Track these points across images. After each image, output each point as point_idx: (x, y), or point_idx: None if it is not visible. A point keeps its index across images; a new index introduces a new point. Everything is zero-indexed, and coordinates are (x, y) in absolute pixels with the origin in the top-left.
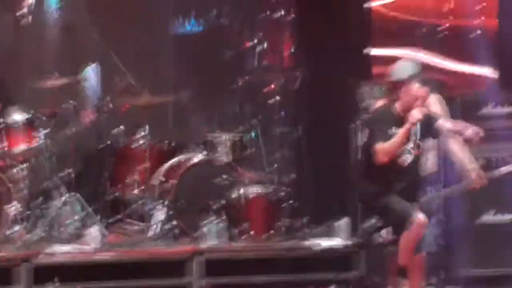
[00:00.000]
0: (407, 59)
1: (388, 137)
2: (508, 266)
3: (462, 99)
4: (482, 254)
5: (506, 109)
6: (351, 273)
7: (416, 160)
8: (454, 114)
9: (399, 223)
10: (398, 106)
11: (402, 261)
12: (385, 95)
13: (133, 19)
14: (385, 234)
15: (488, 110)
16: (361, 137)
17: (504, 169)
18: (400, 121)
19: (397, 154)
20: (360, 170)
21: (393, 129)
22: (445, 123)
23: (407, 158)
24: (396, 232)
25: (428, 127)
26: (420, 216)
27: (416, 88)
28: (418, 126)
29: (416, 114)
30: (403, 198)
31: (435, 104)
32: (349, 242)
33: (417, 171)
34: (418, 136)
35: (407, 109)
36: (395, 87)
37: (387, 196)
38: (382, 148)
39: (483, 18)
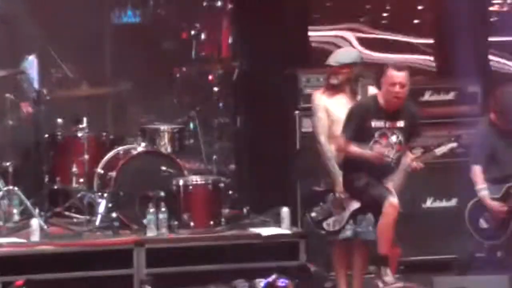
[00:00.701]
0: (347, 48)
1: (355, 135)
2: (447, 253)
3: None
4: (422, 241)
5: (443, 97)
6: (293, 262)
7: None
8: None
9: (376, 207)
10: (380, 98)
11: (383, 250)
12: (324, 83)
13: (70, 10)
14: (328, 224)
15: (426, 97)
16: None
17: (440, 150)
18: (382, 113)
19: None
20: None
21: (373, 122)
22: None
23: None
24: (375, 216)
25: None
26: (393, 200)
27: (392, 74)
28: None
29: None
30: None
31: None
32: (290, 231)
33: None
34: (402, 140)
35: (389, 97)
36: (335, 72)
37: (364, 180)
38: (342, 146)
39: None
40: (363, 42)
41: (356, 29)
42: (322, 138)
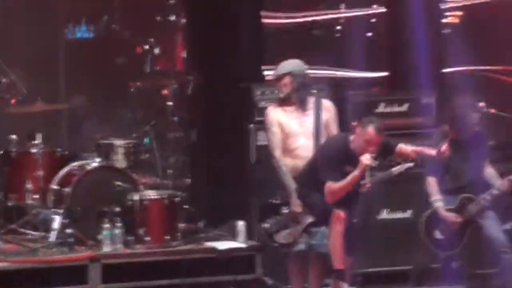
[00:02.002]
0: (290, 60)
1: (338, 178)
2: (403, 264)
3: (355, 100)
4: (377, 253)
5: (397, 108)
6: (250, 275)
7: None
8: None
9: (324, 218)
10: (352, 144)
11: (338, 265)
12: (277, 96)
13: (24, 25)
14: (284, 236)
15: (380, 109)
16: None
17: (396, 169)
18: (354, 159)
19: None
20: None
21: (346, 167)
22: (406, 147)
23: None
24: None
25: (386, 155)
26: (339, 212)
27: (371, 132)
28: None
29: (366, 161)
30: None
31: (328, 111)
32: (246, 245)
33: None
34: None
35: (361, 150)
36: (278, 86)
37: (310, 193)
38: (332, 189)
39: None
40: None
41: None
42: (277, 153)
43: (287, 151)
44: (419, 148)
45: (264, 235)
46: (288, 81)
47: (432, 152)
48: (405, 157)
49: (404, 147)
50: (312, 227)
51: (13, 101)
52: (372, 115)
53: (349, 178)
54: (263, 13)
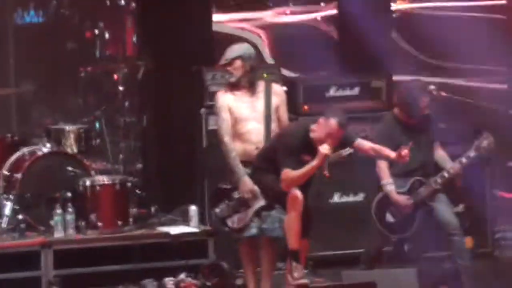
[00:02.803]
0: (240, 43)
1: (295, 167)
2: (355, 248)
3: (306, 84)
4: (330, 236)
5: (348, 92)
6: (201, 260)
7: None
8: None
9: (276, 199)
10: (313, 133)
11: (293, 245)
12: (228, 81)
13: None
14: (235, 221)
15: (331, 93)
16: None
17: (345, 151)
18: (312, 149)
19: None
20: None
21: (304, 156)
22: (364, 143)
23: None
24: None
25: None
26: (295, 192)
27: (334, 125)
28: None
29: (324, 151)
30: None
31: (278, 95)
32: (199, 229)
33: None
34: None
35: (320, 142)
36: (229, 70)
37: (265, 174)
38: (289, 177)
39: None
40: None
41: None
42: (226, 138)
43: (237, 135)
44: (377, 147)
45: (216, 220)
46: (239, 65)
47: (392, 154)
48: (363, 152)
49: (362, 143)
50: (263, 211)
51: None
52: (323, 98)
53: (307, 167)
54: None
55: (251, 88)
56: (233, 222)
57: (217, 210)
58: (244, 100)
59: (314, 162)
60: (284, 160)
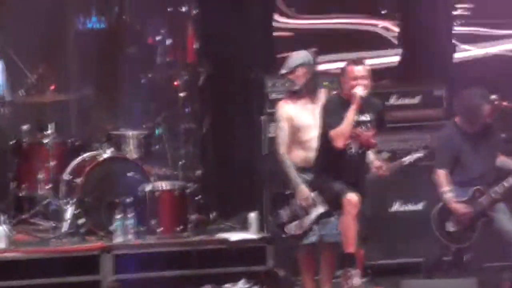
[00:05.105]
0: (299, 51)
1: (340, 122)
2: (414, 257)
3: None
4: (390, 244)
5: (408, 101)
6: (261, 266)
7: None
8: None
9: (335, 203)
10: (343, 92)
11: (349, 248)
12: (289, 88)
13: (35, 16)
14: (294, 228)
15: (392, 101)
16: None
17: (406, 159)
18: (348, 106)
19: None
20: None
21: (343, 115)
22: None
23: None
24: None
25: (380, 121)
26: (350, 195)
27: (349, 68)
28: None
29: (359, 92)
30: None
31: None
32: (258, 236)
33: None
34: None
35: (351, 91)
36: (291, 79)
37: (324, 180)
38: (336, 132)
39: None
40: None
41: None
42: (282, 148)
43: (299, 143)
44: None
45: (275, 226)
46: (301, 73)
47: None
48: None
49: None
50: (322, 218)
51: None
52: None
53: (348, 114)
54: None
55: (313, 96)
56: (291, 228)
57: (276, 216)
58: (306, 108)
59: (353, 106)
60: (328, 125)
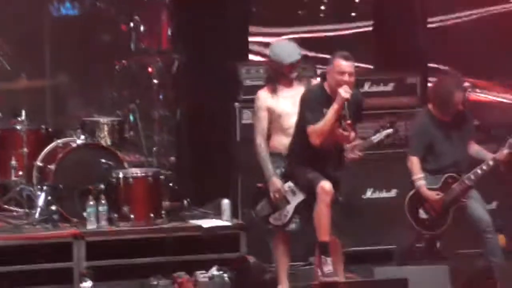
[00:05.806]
0: (287, 40)
1: (319, 118)
2: (387, 244)
3: None
4: (362, 232)
5: (382, 88)
6: (234, 253)
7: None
8: None
9: (309, 191)
10: (327, 85)
11: (322, 237)
12: (264, 75)
13: (8, 2)
14: (275, 219)
15: (365, 89)
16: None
17: (376, 137)
18: (330, 101)
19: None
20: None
21: (324, 110)
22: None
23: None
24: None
25: (358, 114)
26: (323, 183)
27: (338, 62)
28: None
29: (343, 94)
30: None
31: None
32: (231, 223)
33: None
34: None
35: (336, 87)
36: (276, 69)
37: (297, 167)
38: (314, 130)
39: None
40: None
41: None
42: (259, 139)
43: (282, 130)
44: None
45: (255, 218)
46: (298, 64)
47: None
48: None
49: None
50: (303, 206)
51: None
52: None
53: (329, 113)
54: None
55: (292, 84)
56: (275, 218)
57: (258, 208)
58: (285, 96)
59: (335, 105)
60: (307, 119)
